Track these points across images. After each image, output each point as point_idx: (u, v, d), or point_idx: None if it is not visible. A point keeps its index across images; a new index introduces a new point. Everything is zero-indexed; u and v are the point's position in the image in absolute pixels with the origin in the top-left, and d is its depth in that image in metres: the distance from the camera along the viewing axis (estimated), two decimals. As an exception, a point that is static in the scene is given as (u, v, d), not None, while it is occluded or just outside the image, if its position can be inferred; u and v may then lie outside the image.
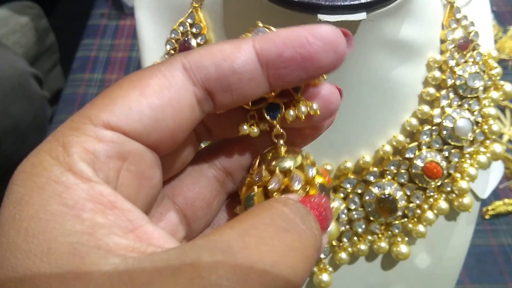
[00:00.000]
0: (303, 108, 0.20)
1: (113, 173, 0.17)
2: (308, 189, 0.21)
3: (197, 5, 0.36)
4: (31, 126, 0.80)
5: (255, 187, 0.21)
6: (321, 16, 0.29)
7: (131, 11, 0.81)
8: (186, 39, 0.36)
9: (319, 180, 0.21)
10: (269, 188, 0.20)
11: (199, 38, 0.36)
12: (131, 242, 0.16)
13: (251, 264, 0.15)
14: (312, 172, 0.21)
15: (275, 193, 0.20)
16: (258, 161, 0.21)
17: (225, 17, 0.35)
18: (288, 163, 0.21)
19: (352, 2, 0.29)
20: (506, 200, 0.57)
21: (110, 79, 0.75)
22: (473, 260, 0.53)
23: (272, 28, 0.21)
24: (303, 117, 0.20)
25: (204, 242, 0.15)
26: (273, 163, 0.21)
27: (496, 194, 0.58)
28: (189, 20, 0.36)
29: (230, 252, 0.15)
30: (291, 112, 0.20)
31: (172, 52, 0.36)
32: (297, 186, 0.20)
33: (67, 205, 0.16)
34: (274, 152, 0.21)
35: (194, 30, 0.36)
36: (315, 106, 0.20)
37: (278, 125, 0.21)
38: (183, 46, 0.36)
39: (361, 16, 0.29)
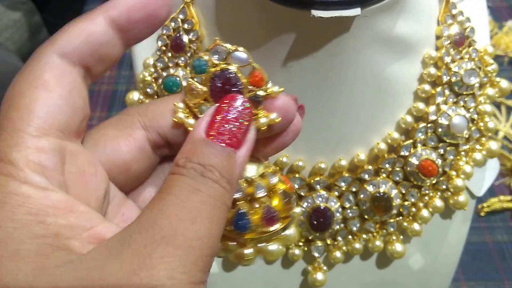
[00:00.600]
0: (263, 120, 0.21)
1: (63, 178, 0.19)
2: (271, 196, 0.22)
3: (189, 1, 0.35)
4: None
5: None
6: (315, 12, 0.29)
7: (124, 7, 0.80)
8: (178, 35, 0.35)
9: (281, 187, 0.22)
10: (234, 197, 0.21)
11: (191, 34, 0.35)
12: (88, 240, 0.18)
13: (175, 230, 0.17)
14: (273, 180, 0.22)
15: (242, 202, 0.21)
16: None
17: (218, 12, 0.34)
18: (251, 173, 0.22)
19: (346, -2, 0.29)
20: (502, 197, 0.57)
21: (102, 76, 0.74)
22: (469, 258, 0.53)
23: (228, 45, 0.22)
24: (264, 128, 0.21)
25: (135, 224, 0.18)
26: None
27: (492, 191, 0.58)
28: (181, 16, 0.35)
29: (155, 227, 0.18)
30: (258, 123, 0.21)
31: (164, 48, 0.35)
32: (261, 193, 0.21)
33: (31, 213, 0.17)
34: None
35: (185, 26, 0.35)
36: (273, 116, 0.21)
37: None
38: (175, 42, 0.35)
39: (355, 11, 0.29)
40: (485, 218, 0.56)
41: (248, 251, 0.22)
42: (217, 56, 0.22)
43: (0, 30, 0.93)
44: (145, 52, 0.37)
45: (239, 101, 0.21)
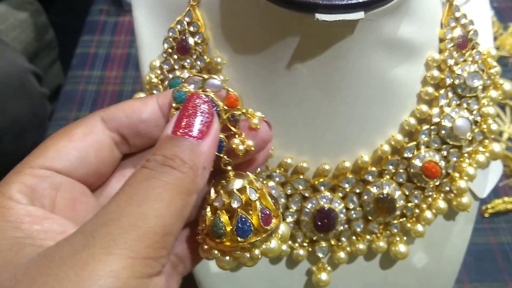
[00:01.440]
0: (241, 147, 0.24)
1: (48, 201, 0.22)
2: (250, 210, 0.24)
3: (194, 4, 0.35)
4: (30, 124, 0.80)
5: (219, 212, 0.23)
6: (319, 16, 0.29)
7: (130, 7, 0.81)
8: (184, 37, 0.35)
9: (261, 204, 0.24)
10: (214, 204, 0.24)
11: (197, 36, 0.35)
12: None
13: (121, 213, 0.20)
14: (254, 196, 0.24)
15: (222, 211, 0.23)
16: (212, 189, 0.24)
17: (223, 16, 0.34)
18: (236, 186, 0.24)
19: (350, 1, 0.29)
20: (506, 199, 0.57)
21: (109, 76, 0.75)
22: (472, 259, 0.53)
23: (204, 75, 0.24)
24: (241, 154, 0.24)
25: (98, 216, 0.20)
26: (222, 186, 0.24)
27: (496, 192, 0.58)
28: (187, 19, 0.36)
29: (104, 213, 0.20)
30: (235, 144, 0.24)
31: (170, 50, 0.36)
32: (235, 204, 0.23)
33: (9, 221, 0.20)
34: (224, 178, 0.24)
35: (191, 28, 0.35)
36: (250, 143, 0.24)
37: (225, 156, 0.24)
38: (181, 45, 0.35)
39: (359, 15, 0.29)
40: (489, 219, 0.56)
41: (256, 251, 0.23)
42: (193, 85, 0.24)
43: (7, 30, 0.94)
44: (152, 54, 0.38)
45: (200, 100, 0.23)
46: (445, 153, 0.36)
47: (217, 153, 0.24)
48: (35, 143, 0.73)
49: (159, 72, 0.36)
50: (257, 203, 0.24)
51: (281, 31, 0.32)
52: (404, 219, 0.37)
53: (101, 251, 0.19)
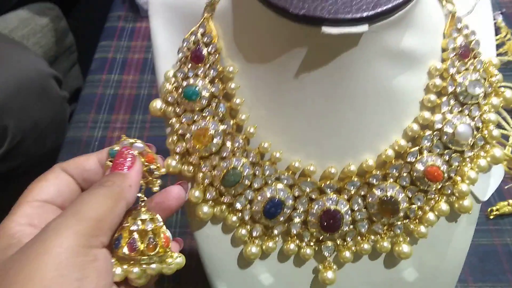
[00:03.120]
0: (155, 189, 0.38)
1: (39, 221, 0.32)
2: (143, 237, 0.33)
3: (208, 15, 0.37)
4: (51, 126, 0.83)
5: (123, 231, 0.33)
6: (325, 29, 0.31)
7: (146, 14, 0.83)
8: (198, 47, 0.37)
9: (152, 234, 0.34)
10: (123, 224, 0.34)
11: (210, 46, 0.37)
12: None
13: (69, 210, 0.30)
14: (149, 227, 0.33)
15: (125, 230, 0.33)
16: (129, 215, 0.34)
17: (235, 27, 0.36)
18: (138, 216, 0.34)
19: (355, 15, 0.31)
20: (511, 201, 0.58)
21: (126, 80, 0.77)
22: (477, 260, 0.55)
23: (131, 140, 0.36)
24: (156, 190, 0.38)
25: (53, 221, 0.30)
26: (133, 214, 0.34)
27: (501, 195, 0.59)
28: (201, 30, 0.38)
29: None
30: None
31: (184, 60, 0.38)
32: (133, 228, 0.33)
33: (9, 234, 0.31)
34: (138, 210, 0.34)
35: (205, 39, 0.37)
36: (156, 188, 0.38)
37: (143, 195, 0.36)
38: (195, 54, 0.37)
39: (363, 28, 0.31)
40: (494, 221, 0.58)
41: (135, 269, 0.33)
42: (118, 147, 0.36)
43: (28, 35, 0.97)
44: (167, 63, 0.40)
45: (126, 151, 0.35)
46: (447, 157, 0.37)
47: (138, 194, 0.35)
48: (55, 144, 0.76)
49: (173, 80, 0.38)
50: (150, 233, 0.33)
51: (289, 42, 0.34)
52: (408, 220, 0.39)
53: (52, 232, 0.28)
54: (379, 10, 0.31)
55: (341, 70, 0.34)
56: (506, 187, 0.60)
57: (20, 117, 0.74)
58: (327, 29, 0.31)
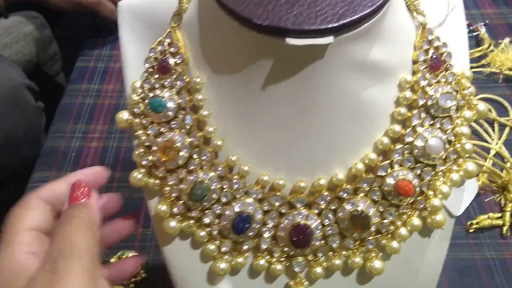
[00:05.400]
0: None
1: (39, 248, 0.34)
2: None
3: (175, 25, 0.37)
4: (25, 137, 0.81)
5: None
6: (289, 40, 0.30)
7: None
8: (164, 57, 0.37)
9: None
10: None
11: (177, 57, 0.37)
12: None
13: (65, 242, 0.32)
14: None
15: None
16: None
17: (201, 37, 0.36)
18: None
19: (319, 27, 0.30)
20: (491, 214, 0.57)
21: (106, 89, 0.76)
22: (456, 274, 0.54)
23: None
24: None
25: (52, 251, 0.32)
26: None
27: (482, 208, 0.59)
28: (167, 40, 0.37)
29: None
30: None
31: (151, 70, 0.37)
32: None
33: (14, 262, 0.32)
34: None
35: (172, 49, 0.37)
36: None
37: None
38: (161, 65, 0.37)
39: (328, 40, 0.30)
40: (474, 235, 0.57)
41: None
42: None
43: (11, 43, 0.96)
44: (135, 74, 0.39)
45: (79, 184, 0.36)
46: (418, 171, 0.37)
47: None
48: (28, 156, 0.75)
49: (140, 91, 0.37)
50: None
51: (254, 53, 0.33)
52: (380, 235, 0.38)
53: (64, 272, 0.30)
54: (344, 21, 0.30)
55: (308, 83, 0.33)
56: (486, 200, 0.59)
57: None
58: (291, 41, 0.30)
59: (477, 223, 0.57)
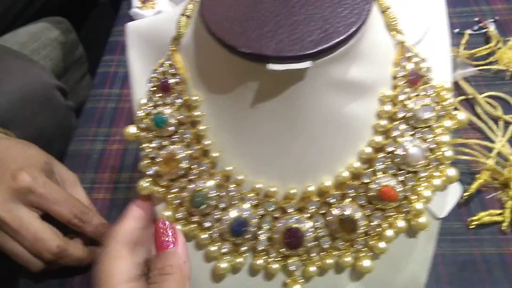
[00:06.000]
0: None
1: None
2: None
3: (174, 48, 0.40)
4: (56, 135, 0.86)
5: None
6: (271, 66, 0.34)
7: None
8: (165, 78, 0.40)
9: None
10: None
11: (177, 77, 0.40)
12: None
13: None
14: None
15: None
16: None
17: (197, 60, 0.39)
18: None
19: (297, 53, 0.33)
20: (491, 211, 0.59)
21: (127, 94, 0.81)
22: (456, 269, 0.56)
23: None
24: None
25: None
26: None
27: (483, 205, 0.61)
28: (168, 61, 0.41)
29: None
30: None
31: (154, 89, 0.41)
32: None
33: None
34: None
35: (171, 70, 0.40)
36: None
37: None
38: (162, 84, 0.40)
39: (306, 64, 0.34)
40: (474, 231, 0.59)
41: None
42: None
43: (38, 49, 1.01)
44: (141, 92, 0.43)
45: (163, 227, 0.39)
46: (401, 178, 0.39)
47: None
48: (61, 152, 0.80)
49: (144, 108, 0.41)
50: None
51: (243, 76, 0.36)
52: (368, 237, 0.41)
53: None
54: (320, 48, 0.33)
55: (292, 101, 0.36)
56: (487, 197, 0.61)
57: (25, 126, 0.78)
58: (273, 66, 0.33)
59: (477, 220, 0.59)
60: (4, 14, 1.01)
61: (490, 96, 0.71)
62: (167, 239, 0.37)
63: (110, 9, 1.17)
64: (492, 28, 0.79)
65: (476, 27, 0.81)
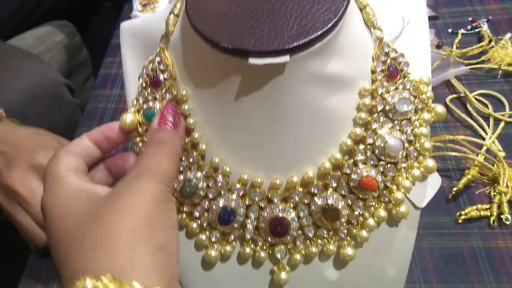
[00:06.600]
0: None
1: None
2: None
3: (163, 46, 0.42)
4: (65, 130, 0.89)
5: None
6: (251, 60, 0.35)
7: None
8: (155, 74, 0.42)
9: None
10: None
11: (166, 73, 0.42)
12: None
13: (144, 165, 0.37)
14: None
15: None
16: None
17: (184, 57, 0.41)
18: None
19: (276, 48, 0.35)
20: (479, 206, 0.61)
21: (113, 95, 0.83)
22: (443, 262, 0.57)
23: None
24: None
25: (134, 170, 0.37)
26: None
27: (472, 200, 0.62)
28: (158, 59, 0.43)
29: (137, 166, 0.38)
30: None
31: (144, 85, 0.43)
32: None
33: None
34: None
35: (161, 66, 0.42)
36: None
37: None
38: (153, 80, 0.42)
39: (284, 59, 0.35)
40: (462, 225, 0.60)
41: None
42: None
43: (44, 52, 1.04)
44: (134, 87, 0.45)
45: (171, 106, 0.40)
46: (381, 168, 0.41)
47: None
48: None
49: (135, 103, 0.43)
50: None
51: (226, 70, 0.38)
52: (350, 225, 0.42)
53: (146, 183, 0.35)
54: (297, 43, 0.35)
55: (273, 94, 0.38)
56: (477, 192, 0.63)
57: (36, 122, 0.81)
58: (253, 60, 0.35)
59: (465, 214, 0.60)
60: (11, 18, 1.05)
61: (481, 94, 0.73)
62: (170, 118, 0.39)
63: (114, 12, 1.20)
64: (485, 28, 0.81)
65: (469, 27, 0.82)
